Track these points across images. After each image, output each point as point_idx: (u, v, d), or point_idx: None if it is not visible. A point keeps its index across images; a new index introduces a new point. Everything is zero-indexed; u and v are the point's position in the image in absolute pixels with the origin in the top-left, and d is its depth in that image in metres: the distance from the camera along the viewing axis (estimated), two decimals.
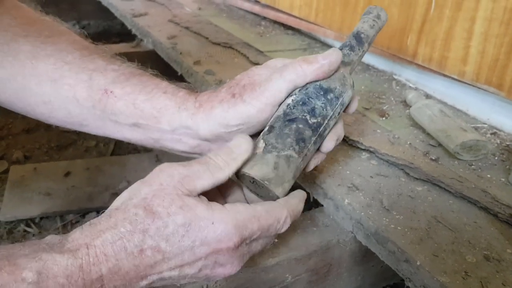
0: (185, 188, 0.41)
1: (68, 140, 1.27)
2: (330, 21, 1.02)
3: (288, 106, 0.48)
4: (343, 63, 0.53)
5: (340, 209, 0.57)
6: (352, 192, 0.58)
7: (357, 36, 0.55)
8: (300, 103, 0.48)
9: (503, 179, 0.62)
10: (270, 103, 0.48)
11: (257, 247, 0.45)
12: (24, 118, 1.30)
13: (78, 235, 0.38)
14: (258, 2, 1.28)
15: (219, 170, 0.43)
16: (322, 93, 0.49)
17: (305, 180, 0.62)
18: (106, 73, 0.53)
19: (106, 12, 1.56)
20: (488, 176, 0.63)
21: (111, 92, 0.52)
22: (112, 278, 0.37)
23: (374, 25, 0.56)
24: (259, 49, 1.05)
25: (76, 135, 1.29)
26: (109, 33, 1.94)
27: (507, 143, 0.71)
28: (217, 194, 0.49)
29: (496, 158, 0.67)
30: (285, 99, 0.49)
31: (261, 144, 0.46)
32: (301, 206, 0.47)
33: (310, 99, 0.48)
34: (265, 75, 0.50)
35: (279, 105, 0.49)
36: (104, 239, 0.38)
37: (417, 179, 0.62)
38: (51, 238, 0.39)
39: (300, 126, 0.47)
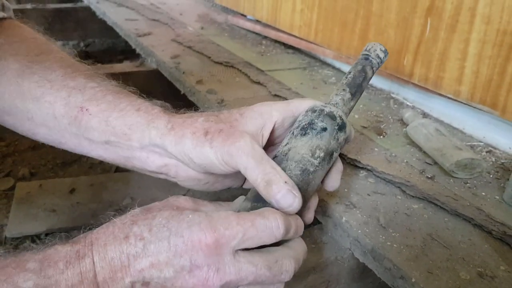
0: (190, 204, 0.46)
1: (73, 157, 1.29)
2: (329, 41, 1.05)
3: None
4: (333, 105, 0.52)
5: (338, 226, 0.59)
6: (349, 210, 0.60)
7: (359, 84, 0.54)
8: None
9: (497, 197, 0.64)
10: (231, 166, 0.47)
11: (248, 265, 0.41)
12: None
13: (82, 234, 0.42)
14: (259, 21, 1.31)
15: (220, 207, 0.48)
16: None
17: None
18: (85, 91, 0.54)
19: (110, 31, 1.60)
20: (483, 194, 0.64)
21: (86, 109, 0.53)
22: (101, 264, 0.39)
23: (375, 68, 0.56)
24: (260, 68, 1.07)
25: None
26: (113, 50, 1.98)
27: (502, 161, 0.73)
28: None
29: (491, 176, 0.69)
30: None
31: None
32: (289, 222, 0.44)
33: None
34: (248, 127, 0.49)
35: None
36: (100, 228, 0.42)
37: (413, 197, 0.63)
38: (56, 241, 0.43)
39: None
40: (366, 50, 0.56)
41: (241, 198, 0.49)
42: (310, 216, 0.51)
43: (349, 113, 0.54)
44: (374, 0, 0.91)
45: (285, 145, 0.48)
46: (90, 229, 0.42)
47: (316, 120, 0.48)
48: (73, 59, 0.60)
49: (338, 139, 0.49)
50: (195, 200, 0.46)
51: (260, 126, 0.50)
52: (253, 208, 0.44)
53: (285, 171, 0.45)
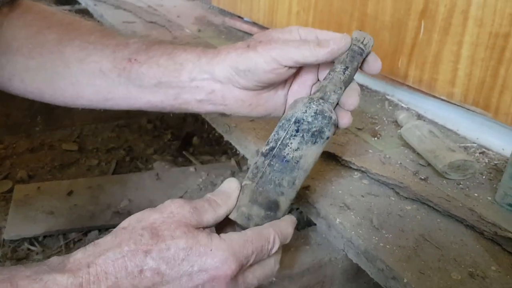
0: (194, 219, 0.44)
1: (70, 159, 1.30)
2: None
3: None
4: (331, 104, 0.53)
5: (332, 228, 0.60)
6: (343, 212, 0.60)
7: (351, 79, 0.54)
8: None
9: (489, 198, 0.64)
10: (277, 61, 0.51)
11: (253, 280, 0.47)
12: (28, 138, 1.34)
13: (80, 255, 0.40)
14: (256, 23, 1.32)
15: (219, 207, 0.47)
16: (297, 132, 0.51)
17: (299, 199, 0.65)
18: (128, 46, 0.58)
19: None
20: (476, 195, 0.65)
21: (135, 59, 0.56)
22: None
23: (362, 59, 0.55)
24: None
25: (79, 154, 1.32)
26: None
27: (495, 162, 0.74)
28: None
29: (484, 177, 0.70)
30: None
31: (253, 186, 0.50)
32: (289, 229, 0.50)
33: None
34: (283, 38, 0.53)
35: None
36: (106, 257, 0.39)
37: (406, 198, 0.64)
38: (53, 259, 0.40)
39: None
40: (360, 42, 0.54)
41: (231, 181, 0.51)
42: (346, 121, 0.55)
43: None
44: (369, 2, 0.92)
45: (296, 149, 0.50)
46: (86, 234, 0.41)
47: (325, 129, 0.51)
48: (101, 25, 0.63)
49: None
50: (194, 209, 0.45)
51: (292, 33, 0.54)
52: (266, 217, 0.49)
53: (295, 179, 0.50)
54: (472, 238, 0.57)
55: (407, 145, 0.76)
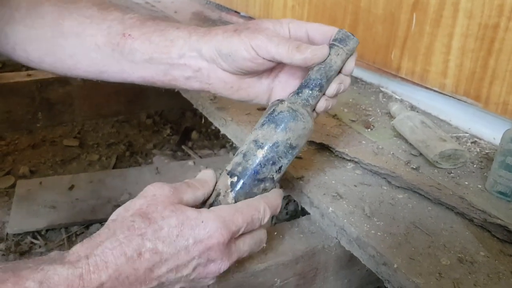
0: (176, 197, 0.47)
1: (72, 154, 1.32)
2: None
3: (259, 164, 0.52)
4: (310, 106, 0.55)
5: (325, 216, 0.61)
6: (336, 201, 0.62)
7: (328, 75, 0.55)
8: (271, 162, 0.52)
9: (480, 186, 0.66)
10: (255, 51, 0.53)
11: (244, 247, 0.50)
12: (29, 134, 1.36)
13: (78, 248, 0.41)
14: (252, 18, 1.33)
15: (197, 189, 0.50)
16: (290, 151, 0.53)
17: (293, 189, 0.66)
18: (124, 21, 0.60)
19: None
20: (466, 183, 0.66)
21: (129, 35, 0.59)
22: (112, 284, 0.40)
23: (345, 59, 0.56)
24: None
25: (80, 150, 1.34)
26: None
27: (486, 151, 0.75)
28: None
29: (475, 166, 0.71)
30: (256, 135, 0.54)
31: (231, 199, 0.52)
32: (278, 200, 0.53)
33: (279, 158, 0.53)
34: (272, 29, 0.55)
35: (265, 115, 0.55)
36: (104, 247, 0.41)
37: (398, 187, 0.65)
38: (54, 253, 0.42)
39: (267, 184, 0.53)
40: (346, 44, 0.55)
41: (207, 171, 0.54)
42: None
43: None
44: None
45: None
46: (87, 227, 0.42)
47: (300, 142, 0.55)
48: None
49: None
50: (174, 189, 0.48)
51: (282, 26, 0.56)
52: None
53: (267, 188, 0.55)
54: (462, 225, 0.59)
55: (399, 136, 0.78)
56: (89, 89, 1.16)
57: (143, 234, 0.42)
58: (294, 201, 1.04)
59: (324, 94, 0.56)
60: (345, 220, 0.58)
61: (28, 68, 1.84)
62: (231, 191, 0.52)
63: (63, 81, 1.11)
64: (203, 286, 0.49)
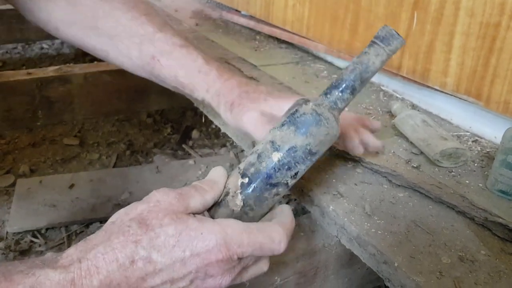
0: (180, 204, 0.43)
1: (72, 153, 1.32)
2: (321, 35, 1.06)
3: (273, 168, 0.47)
4: (338, 109, 0.50)
5: (326, 215, 0.61)
6: (336, 199, 0.62)
7: (364, 77, 0.50)
8: (286, 167, 0.48)
9: (481, 185, 0.66)
10: (240, 130, 0.64)
11: (248, 270, 0.46)
12: (29, 133, 1.36)
13: (72, 251, 0.40)
14: (253, 17, 1.33)
15: (206, 192, 0.46)
16: (309, 157, 0.48)
17: (294, 188, 0.66)
18: (154, 42, 0.67)
19: None
20: (467, 182, 0.66)
21: (158, 60, 0.67)
22: None
23: (385, 60, 0.49)
24: (253, 63, 1.09)
25: (80, 148, 1.34)
26: None
27: (488, 150, 0.75)
28: None
29: (476, 164, 0.71)
30: (271, 138, 0.49)
31: (239, 201, 0.48)
32: (293, 223, 0.48)
33: (296, 164, 0.48)
34: (264, 108, 0.62)
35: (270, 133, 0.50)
36: (96, 252, 0.39)
37: (399, 186, 0.65)
38: (48, 255, 0.40)
39: (280, 189, 0.49)
40: (389, 43, 0.49)
41: (217, 169, 0.50)
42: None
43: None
44: None
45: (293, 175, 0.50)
46: (87, 226, 0.40)
47: (324, 146, 0.51)
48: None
49: None
50: (180, 195, 0.45)
51: (274, 112, 0.61)
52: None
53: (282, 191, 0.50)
54: (463, 223, 0.59)
55: (400, 134, 0.77)
56: (89, 88, 1.16)
57: (137, 241, 0.40)
58: (295, 199, 1.04)
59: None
60: (346, 219, 0.58)
61: (28, 66, 1.84)
62: (240, 193, 0.48)
63: (63, 79, 1.11)
64: None
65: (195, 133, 1.45)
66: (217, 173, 0.49)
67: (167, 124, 1.51)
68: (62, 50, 2.01)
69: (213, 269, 0.42)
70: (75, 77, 1.12)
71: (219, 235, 0.41)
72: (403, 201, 0.62)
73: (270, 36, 1.28)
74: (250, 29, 1.35)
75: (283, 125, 0.49)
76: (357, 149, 0.63)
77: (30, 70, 1.12)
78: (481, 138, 0.79)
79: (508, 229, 0.56)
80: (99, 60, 1.68)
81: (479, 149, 0.75)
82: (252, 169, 0.48)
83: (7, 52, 1.95)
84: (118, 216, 0.43)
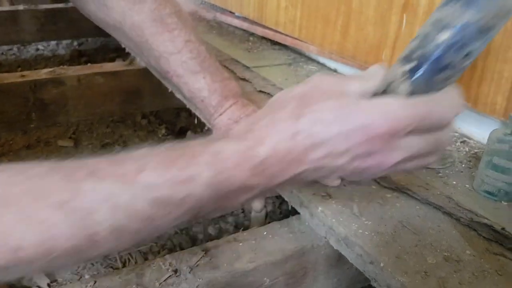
0: (339, 85, 0.42)
1: (67, 155, 1.32)
2: (312, 37, 1.07)
3: (443, 48, 0.41)
4: None
5: (314, 216, 0.62)
6: (325, 200, 0.62)
7: None
8: (457, 46, 0.41)
9: (467, 186, 0.67)
10: None
11: (413, 143, 0.42)
12: (24, 135, 1.36)
13: (238, 128, 0.42)
14: (247, 18, 1.33)
15: (365, 80, 0.43)
16: (482, 34, 0.42)
17: (282, 189, 0.67)
18: (170, 62, 0.72)
19: (102, 30, 1.62)
20: (454, 183, 0.67)
21: (171, 76, 0.73)
22: (273, 160, 0.39)
23: None
24: (246, 64, 1.10)
25: (75, 150, 1.35)
26: (106, 49, 2.00)
27: (475, 150, 0.76)
28: None
29: (463, 165, 0.72)
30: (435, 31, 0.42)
31: (406, 89, 0.42)
32: (460, 99, 0.44)
33: (468, 42, 0.42)
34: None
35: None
36: (261, 125, 0.41)
37: (386, 187, 0.66)
38: (214, 135, 0.48)
39: (451, 73, 0.43)
40: None
41: (375, 66, 0.45)
42: None
43: None
44: None
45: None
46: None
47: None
48: (163, 10, 0.74)
49: None
50: (340, 79, 0.43)
51: None
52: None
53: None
54: (449, 224, 0.60)
55: None
56: (83, 90, 1.16)
57: (298, 115, 0.40)
58: (279, 204, 1.04)
59: None
60: (334, 220, 0.59)
61: (23, 67, 1.84)
62: (406, 79, 0.42)
63: (57, 81, 1.12)
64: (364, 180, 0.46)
65: (189, 134, 1.46)
66: (376, 67, 0.45)
67: (162, 125, 1.51)
68: (57, 52, 2.01)
69: (373, 144, 0.40)
70: (68, 79, 1.13)
71: (379, 109, 0.40)
72: (390, 201, 0.63)
73: (263, 38, 1.29)
74: (244, 30, 1.36)
75: (447, 3, 0.43)
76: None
77: (24, 73, 1.13)
78: (469, 139, 0.80)
79: (493, 229, 0.57)
80: (94, 61, 1.68)
81: (467, 149, 0.76)
82: (418, 52, 0.43)
83: (2, 53, 1.95)
84: (279, 95, 0.44)
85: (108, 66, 1.25)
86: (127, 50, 0.97)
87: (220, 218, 0.85)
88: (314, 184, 0.44)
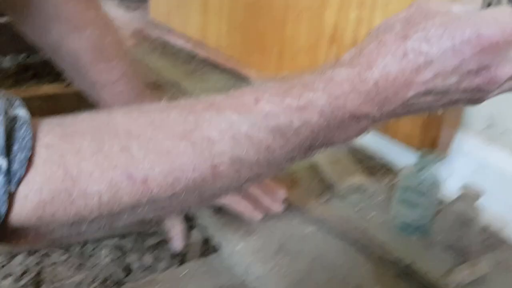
0: (443, 6, 0.41)
1: None
2: (252, 61, 1.09)
3: None
4: None
5: (234, 254, 0.63)
6: (245, 238, 0.64)
7: None
8: None
9: (384, 219, 0.69)
10: None
11: None
12: None
13: (346, 55, 0.41)
14: (191, 39, 1.34)
15: (464, 4, 0.42)
16: None
17: (203, 224, 0.68)
18: (103, 91, 0.71)
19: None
20: (371, 216, 0.70)
21: (102, 106, 0.71)
22: (384, 84, 0.39)
23: None
24: (186, 88, 1.10)
25: None
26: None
27: (396, 181, 0.79)
28: None
29: (383, 197, 0.74)
30: None
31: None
32: None
33: None
34: None
35: None
36: (369, 49, 0.40)
37: (307, 221, 0.68)
38: (323, 65, 0.42)
39: None
40: None
41: None
42: None
43: None
44: (287, 27, 0.96)
45: None
46: None
47: None
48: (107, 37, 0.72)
49: None
50: (443, 1, 0.42)
51: None
52: None
53: None
54: (363, 258, 0.62)
55: (316, 166, 0.80)
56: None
57: (406, 36, 0.40)
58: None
59: None
60: (252, 257, 0.60)
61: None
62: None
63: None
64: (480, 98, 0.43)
65: None
66: None
67: None
68: (2, 65, 1.95)
69: (484, 55, 0.39)
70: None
71: (487, 19, 0.39)
72: (310, 236, 0.65)
73: (206, 59, 1.30)
74: (188, 51, 1.36)
75: None
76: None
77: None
78: (391, 168, 0.83)
79: (401, 265, 0.60)
80: (40, 76, 1.63)
81: (388, 180, 0.79)
82: None
83: None
84: (384, 21, 0.44)
85: (44, 89, 1.22)
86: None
87: (157, 245, 0.85)
88: (423, 113, 0.43)
